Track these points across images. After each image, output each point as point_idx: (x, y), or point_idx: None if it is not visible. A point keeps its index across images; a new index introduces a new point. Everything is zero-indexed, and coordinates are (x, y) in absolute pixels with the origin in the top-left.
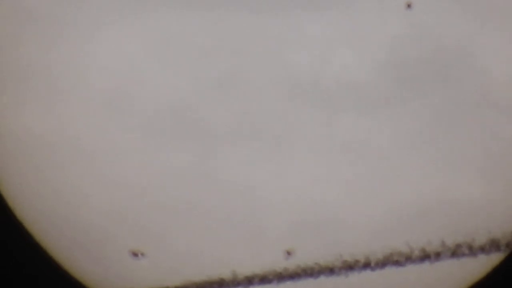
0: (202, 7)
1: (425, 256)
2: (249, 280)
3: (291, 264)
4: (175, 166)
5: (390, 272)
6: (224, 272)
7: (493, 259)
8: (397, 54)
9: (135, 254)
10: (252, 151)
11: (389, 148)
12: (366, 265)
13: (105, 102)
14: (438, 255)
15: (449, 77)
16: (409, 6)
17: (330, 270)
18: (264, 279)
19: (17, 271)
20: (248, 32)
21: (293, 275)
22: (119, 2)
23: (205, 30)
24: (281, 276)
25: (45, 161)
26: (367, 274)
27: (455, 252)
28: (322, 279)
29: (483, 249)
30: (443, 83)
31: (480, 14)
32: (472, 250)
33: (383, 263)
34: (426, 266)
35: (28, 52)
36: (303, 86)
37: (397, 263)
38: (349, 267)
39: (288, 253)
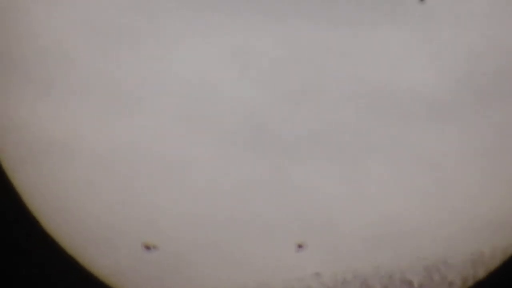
0: (279, 21)
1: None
2: None
3: (367, 274)
4: (250, 179)
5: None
6: (302, 284)
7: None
8: (473, 67)
9: (147, 248)
10: (327, 163)
11: (464, 160)
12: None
13: (181, 114)
14: None
15: None
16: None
17: (409, 283)
18: None
19: (32, 267)
20: (324, 46)
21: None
22: (197, 16)
23: (282, 43)
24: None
25: (122, 173)
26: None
27: None
28: None
29: None
30: None
31: None
32: None
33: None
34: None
35: (106, 65)
36: (379, 99)
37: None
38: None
39: (300, 246)
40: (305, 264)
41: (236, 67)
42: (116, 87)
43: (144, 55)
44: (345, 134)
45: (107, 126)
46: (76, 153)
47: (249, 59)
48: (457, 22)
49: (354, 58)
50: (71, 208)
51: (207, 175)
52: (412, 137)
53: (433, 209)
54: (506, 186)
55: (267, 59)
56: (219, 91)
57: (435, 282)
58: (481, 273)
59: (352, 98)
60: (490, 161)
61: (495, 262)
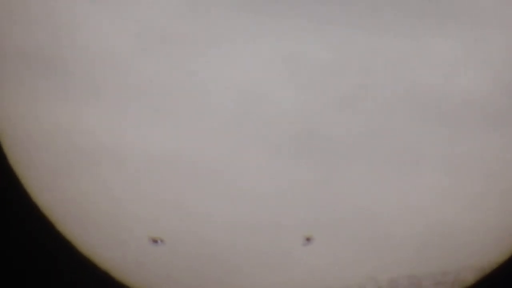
0: (330, 27)
1: None
2: None
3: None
4: (300, 184)
5: None
6: None
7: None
8: None
9: (154, 241)
10: (377, 168)
11: None
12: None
13: (232, 120)
14: None
15: None
16: None
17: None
18: None
19: (40, 257)
20: (375, 52)
21: None
22: (247, 22)
23: (333, 50)
24: None
25: (169, 179)
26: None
27: None
28: None
29: None
30: None
31: None
32: None
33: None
34: None
35: (155, 71)
36: (428, 104)
37: None
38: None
39: (308, 239)
40: (360, 269)
41: (287, 72)
42: (165, 93)
43: (193, 61)
44: (397, 140)
45: (155, 132)
46: (123, 159)
47: (300, 65)
48: (508, 27)
49: (406, 64)
50: (116, 213)
51: (257, 180)
52: (465, 143)
53: (485, 215)
54: None
55: (318, 65)
56: (269, 96)
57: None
58: None
59: (404, 105)
60: None
61: None
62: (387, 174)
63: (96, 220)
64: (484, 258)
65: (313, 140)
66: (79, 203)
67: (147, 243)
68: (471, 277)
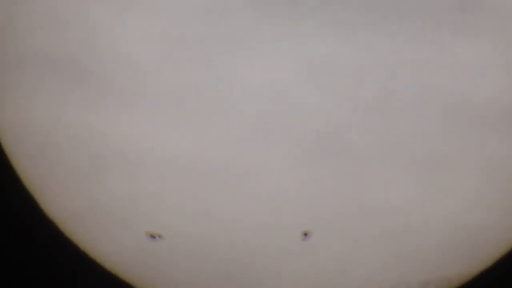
0: (353, 30)
1: None
2: None
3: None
4: (323, 188)
5: None
6: None
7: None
8: None
9: (152, 236)
10: (402, 174)
11: None
12: None
13: (253, 123)
14: None
15: None
16: None
17: None
18: None
19: (37, 252)
20: (398, 56)
21: None
22: (270, 24)
23: (355, 53)
24: None
25: (192, 182)
26: None
27: None
28: None
29: None
30: None
31: None
32: None
33: None
34: None
35: (179, 75)
36: (454, 109)
37: None
38: None
39: (305, 234)
40: (388, 273)
41: (312, 77)
42: (187, 97)
43: (216, 64)
44: (420, 145)
45: (179, 135)
46: (146, 163)
47: (323, 68)
48: None
49: (429, 68)
50: (140, 216)
51: (278, 185)
52: (489, 148)
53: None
54: None
55: (340, 68)
56: (291, 99)
57: None
58: None
59: (427, 109)
60: None
61: None
62: (411, 178)
63: (124, 225)
64: None
65: (338, 143)
66: (107, 209)
67: (178, 251)
68: None
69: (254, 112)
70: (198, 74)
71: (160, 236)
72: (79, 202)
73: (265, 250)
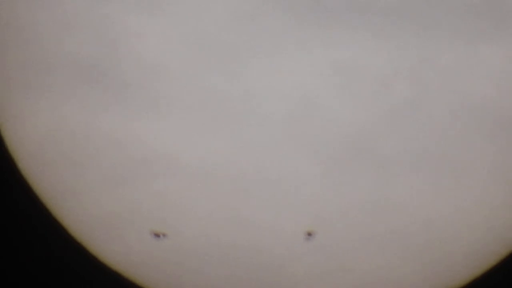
0: (382, 36)
1: None
2: None
3: None
4: (352, 196)
5: None
6: None
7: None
8: None
9: (157, 235)
10: (429, 180)
11: None
12: None
13: (282, 131)
14: None
15: None
16: None
17: None
18: None
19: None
20: (427, 62)
21: None
22: (299, 30)
23: (383, 59)
24: None
25: (220, 189)
26: None
27: None
28: None
29: None
30: None
31: None
32: None
33: None
34: None
35: (206, 80)
36: (482, 115)
37: None
38: None
39: (309, 234)
40: (413, 279)
41: (338, 83)
42: (216, 103)
43: (245, 70)
44: (449, 151)
45: (206, 142)
46: (174, 169)
47: (351, 75)
48: None
49: (458, 74)
50: (167, 224)
51: (307, 193)
52: None
53: None
54: None
55: (370, 75)
56: (320, 107)
57: None
58: None
59: (456, 115)
60: None
61: None
62: (439, 185)
63: (149, 230)
64: None
65: (365, 152)
66: (134, 214)
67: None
68: None
69: (282, 117)
70: (226, 79)
71: (164, 235)
72: (106, 208)
73: (297, 256)
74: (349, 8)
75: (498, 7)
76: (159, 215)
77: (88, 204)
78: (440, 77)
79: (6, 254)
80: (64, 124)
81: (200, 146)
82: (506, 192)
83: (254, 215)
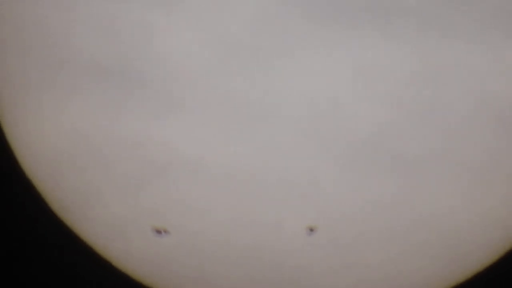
0: (403, 37)
1: None
2: None
3: None
4: (373, 198)
5: None
6: None
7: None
8: None
9: (158, 232)
10: (453, 183)
11: None
12: None
13: (302, 132)
14: None
15: None
16: None
17: None
18: None
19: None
20: (450, 62)
21: None
22: (320, 30)
23: (405, 61)
24: None
25: (242, 192)
26: None
27: None
28: None
29: None
30: None
31: None
32: None
33: None
34: None
35: (228, 82)
36: (504, 117)
37: None
38: None
39: (311, 229)
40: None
41: (359, 84)
42: (238, 104)
43: (266, 71)
44: (472, 153)
45: (227, 144)
46: (196, 172)
47: (372, 76)
48: None
49: (483, 74)
50: (188, 228)
51: (328, 195)
52: None
53: None
54: None
55: (391, 76)
56: (341, 108)
57: None
58: None
59: (480, 116)
60: None
61: None
62: (462, 188)
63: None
64: None
65: (386, 153)
66: (152, 216)
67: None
68: None
69: (303, 119)
70: (248, 81)
71: (166, 231)
72: (128, 211)
73: (316, 261)
74: (371, 11)
75: None
76: (182, 219)
77: (107, 208)
78: (462, 79)
79: (9, 255)
80: (85, 124)
81: (221, 148)
82: None
83: (275, 217)
